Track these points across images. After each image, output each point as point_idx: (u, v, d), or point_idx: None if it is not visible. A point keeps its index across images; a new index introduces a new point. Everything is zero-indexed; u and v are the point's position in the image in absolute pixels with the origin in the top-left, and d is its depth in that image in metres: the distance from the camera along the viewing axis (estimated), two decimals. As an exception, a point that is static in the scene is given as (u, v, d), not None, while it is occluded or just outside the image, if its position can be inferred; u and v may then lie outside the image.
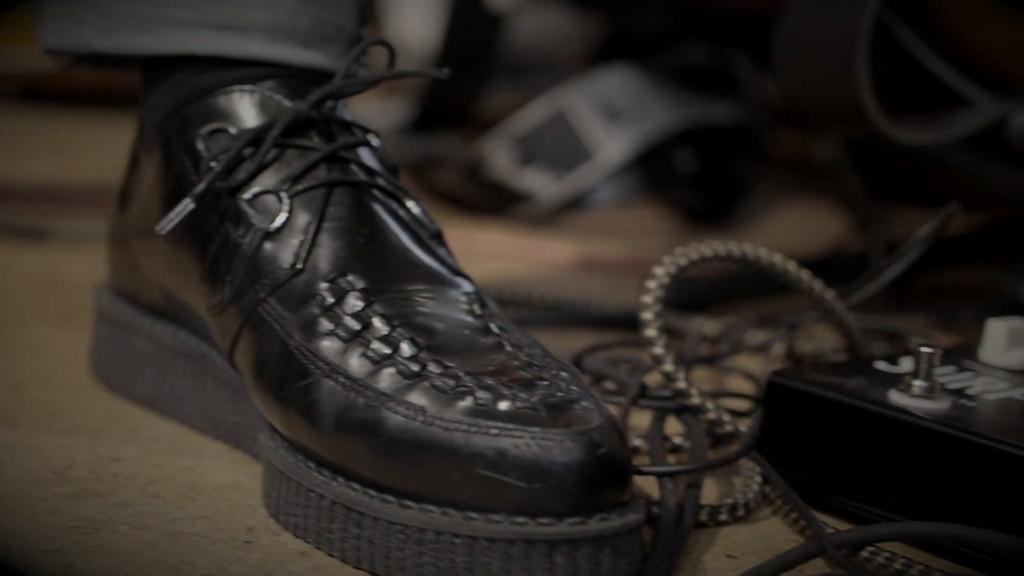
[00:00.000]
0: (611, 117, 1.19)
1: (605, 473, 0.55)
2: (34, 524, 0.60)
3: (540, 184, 1.19)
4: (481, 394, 0.56)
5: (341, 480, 0.58)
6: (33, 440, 0.69)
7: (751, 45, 1.25)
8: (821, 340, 0.84)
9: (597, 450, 0.55)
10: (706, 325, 0.88)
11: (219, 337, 0.66)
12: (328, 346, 0.60)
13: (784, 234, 1.23)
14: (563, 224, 1.21)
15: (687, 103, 1.23)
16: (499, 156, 1.20)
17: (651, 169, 1.24)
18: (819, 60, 0.86)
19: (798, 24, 0.87)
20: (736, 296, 0.97)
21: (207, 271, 0.66)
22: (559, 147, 1.19)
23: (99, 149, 1.39)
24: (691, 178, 1.26)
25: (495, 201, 1.20)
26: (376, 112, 1.38)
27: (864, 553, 0.60)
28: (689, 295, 0.93)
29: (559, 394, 0.57)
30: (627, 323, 0.89)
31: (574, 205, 1.22)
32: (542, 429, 0.55)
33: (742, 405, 0.76)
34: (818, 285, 0.75)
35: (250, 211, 0.65)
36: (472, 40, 1.30)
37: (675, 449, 0.70)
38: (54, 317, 0.89)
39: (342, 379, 0.59)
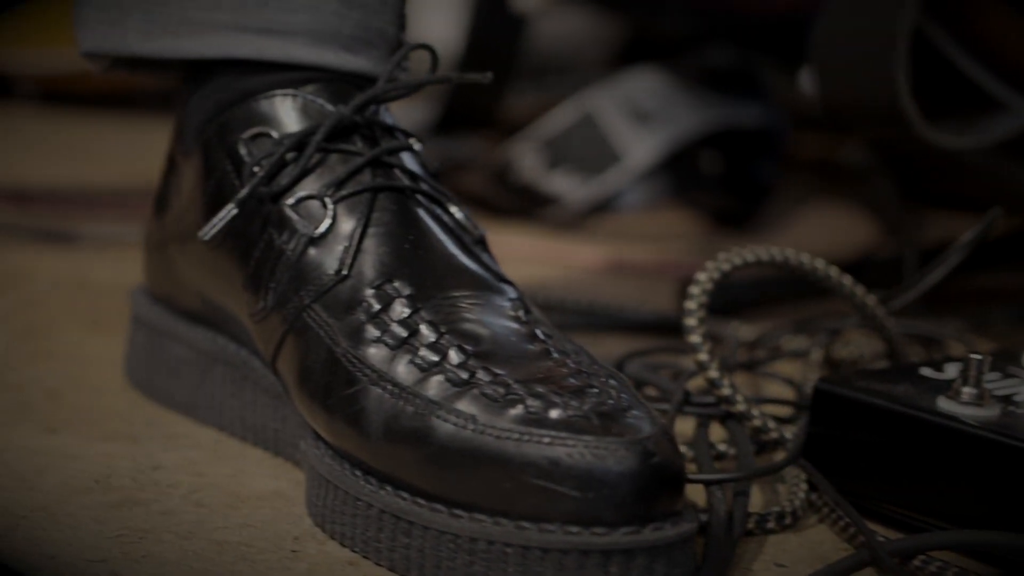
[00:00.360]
0: (639, 120, 1.19)
1: (659, 482, 0.54)
2: (79, 533, 0.59)
3: (568, 187, 1.19)
4: (532, 402, 0.56)
5: (389, 489, 0.57)
6: (72, 447, 0.68)
7: (775, 47, 1.25)
8: (858, 345, 0.83)
9: (651, 459, 0.54)
10: (742, 330, 0.87)
11: (261, 344, 0.65)
12: (375, 353, 0.60)
13: (809, 237, 1.22)
14: (591, 227, 1.20)
15: (713, 106, 1.23)
16: (527, 159, 1.19)
17: (676, 172, 1.24)
18: (857, 64, 0.86)
19: (835, 27, 0.87)
20: (768, 300, 0.97)
21: (249, 277, 0.65)
22: (587, 150, 1.19)
23: (120, 151, 1.40)
24: (716, 180, 1.26)
25: (523, 204, 1.19)
26: (398, 115, 1.38)
27: (916, 562, 0.59)
28: (721, 299, 0.93)
29: (610, 402, 0.56)
30: (662, 328, 0.88)
31: (602, 208, 1.22)
32: (595, 438, 0.54)
33: (783, 411, 0.75)
34: (859, 290, 0.74)
35: (294, 217, 0.64)
36: (496, 42, 1.30)
37: (720, 456, 0.70)
38: (85, 321, 0.89)
39: (390, 387, 0.58)
